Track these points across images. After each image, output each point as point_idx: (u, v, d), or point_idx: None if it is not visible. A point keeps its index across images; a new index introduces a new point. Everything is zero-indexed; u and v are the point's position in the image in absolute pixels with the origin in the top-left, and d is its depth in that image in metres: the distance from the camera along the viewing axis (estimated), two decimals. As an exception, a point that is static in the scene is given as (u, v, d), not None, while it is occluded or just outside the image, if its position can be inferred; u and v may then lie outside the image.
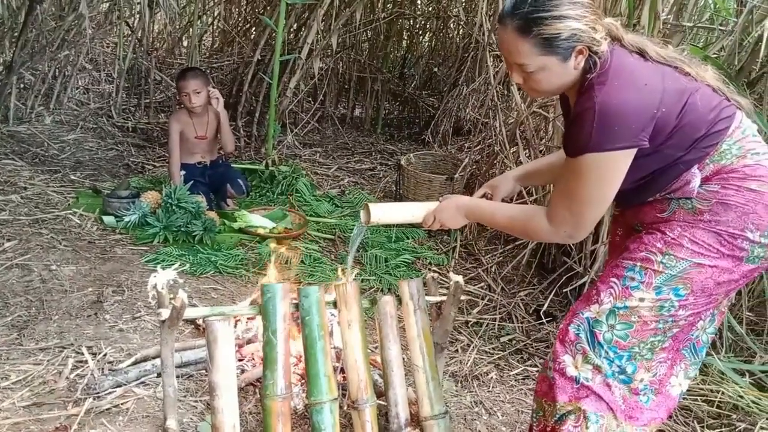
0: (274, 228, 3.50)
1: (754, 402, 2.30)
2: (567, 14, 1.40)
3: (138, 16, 4.99)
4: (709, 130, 1.45)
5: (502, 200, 1.94)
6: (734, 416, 2.29)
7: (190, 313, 1.74)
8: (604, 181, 1.44)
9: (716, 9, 2.77)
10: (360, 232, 1.94)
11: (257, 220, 3.52)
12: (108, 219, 3.29)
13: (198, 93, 3.52)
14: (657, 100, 1.41)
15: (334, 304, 1.92)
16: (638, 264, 1.50)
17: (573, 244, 2.97)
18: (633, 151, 1.42)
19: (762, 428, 2.18)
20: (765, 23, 2.16)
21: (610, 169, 1.43)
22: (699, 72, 1.51)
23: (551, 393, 1.61)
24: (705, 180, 1.46)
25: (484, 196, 1.94)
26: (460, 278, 2.03)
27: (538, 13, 1.40)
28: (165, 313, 1.68)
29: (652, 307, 1.49)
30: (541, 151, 3.34)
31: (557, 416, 1.60)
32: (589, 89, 1.44)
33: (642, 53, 1.50)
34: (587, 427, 1.54)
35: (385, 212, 1.82)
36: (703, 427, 2.24)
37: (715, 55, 2.63)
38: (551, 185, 2.72)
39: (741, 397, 2.32)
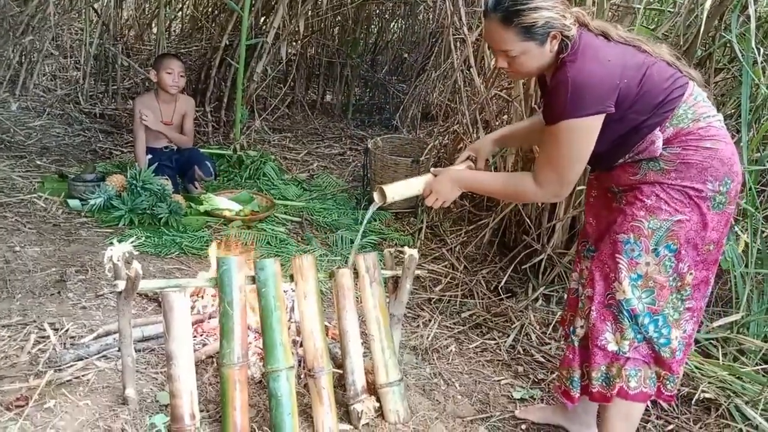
0: (240, 210, 3.53)
1: (697, 367, 2.41)
2: (540, 5, 1.67)
3: (105, 1, 4.96)
4: (666, 97, 1.68)
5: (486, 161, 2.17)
6: (678, 381, 2.39)
7: (146, 285, 1.79)
8: (580, 143, 1.70)
9: (665, -8, 2.86)
10: (371, 212, 2.16)
11: (223, 203, 3.55)
12: (73, 202, 3.30)
13: (181, 76, 3.60)
14: (619, 73, 1.66)
15: (292, 278, 1.98)
16: (631, 235, 1.72)
17: (531, 222, 3.06)
18: (602, 117, 1.67)
19: (704, 391, 2.29)
20: (705, 4, 2.24)
21: (584, 132, 1.68)
22: (655, 49, 1.75)
23: (590, 361, 1.82)
24: (667, 142, 1.69)
25: (468, 158, 2.13)
26: (414, 251, 2.10)
27: (516, 6, 1.67)
28: (121, 285, 1.72)
29: (659, 270, 1.71)
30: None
31: (602, 378, 1.81)
32: (562, 66, 1.70)
33: (606, 35, 1.75)
34: (629, 381, 1.78)
35: (396, 191, 2.03)
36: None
37: (665, 36, 2.71)
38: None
39: (686, 363, 2.42)
